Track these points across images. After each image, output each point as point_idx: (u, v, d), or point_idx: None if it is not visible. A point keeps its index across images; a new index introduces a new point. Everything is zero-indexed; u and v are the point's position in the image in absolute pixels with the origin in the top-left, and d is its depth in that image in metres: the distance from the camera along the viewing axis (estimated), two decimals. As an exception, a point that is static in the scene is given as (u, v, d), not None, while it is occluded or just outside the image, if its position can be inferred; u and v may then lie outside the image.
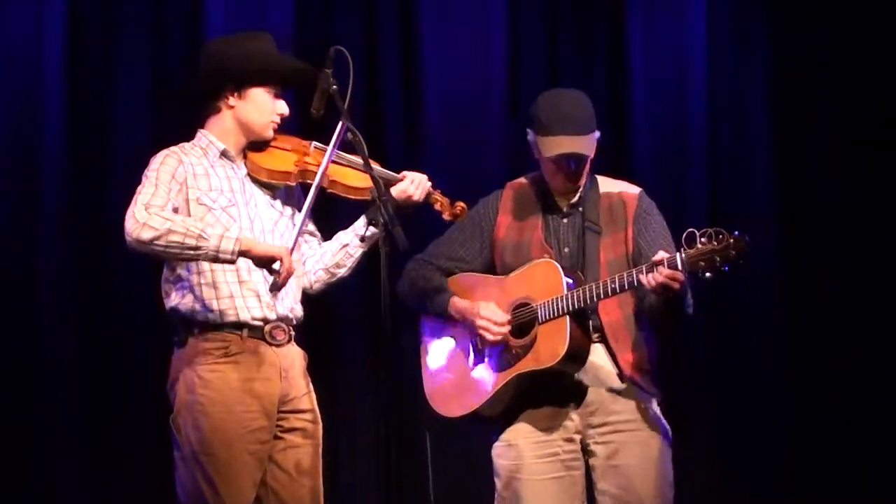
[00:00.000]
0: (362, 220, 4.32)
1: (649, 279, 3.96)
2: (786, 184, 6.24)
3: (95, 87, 5.94)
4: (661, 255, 3.97)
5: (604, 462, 4.20)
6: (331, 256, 4.36)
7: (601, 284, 4.07)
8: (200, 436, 4.08)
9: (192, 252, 3.98)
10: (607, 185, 4.34)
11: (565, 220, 4.29)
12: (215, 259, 4.00)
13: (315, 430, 4.24)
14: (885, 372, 6.06)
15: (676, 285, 3.95)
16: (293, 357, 4.23)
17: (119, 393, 5.85)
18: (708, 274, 3.89)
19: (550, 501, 4.21)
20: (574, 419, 4.21)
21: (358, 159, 4.13)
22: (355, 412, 5.99)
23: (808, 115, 6.23)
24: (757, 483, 6.11)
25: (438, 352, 4.41)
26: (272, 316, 4.17)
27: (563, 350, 4.10)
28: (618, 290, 4.06)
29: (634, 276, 4.00)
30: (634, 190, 4.34)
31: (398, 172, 4.35)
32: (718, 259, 3.87)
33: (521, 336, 4.21)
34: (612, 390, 4.19)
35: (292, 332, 4.24)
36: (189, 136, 4.28)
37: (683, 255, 3.91)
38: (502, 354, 4.24)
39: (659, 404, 4.26)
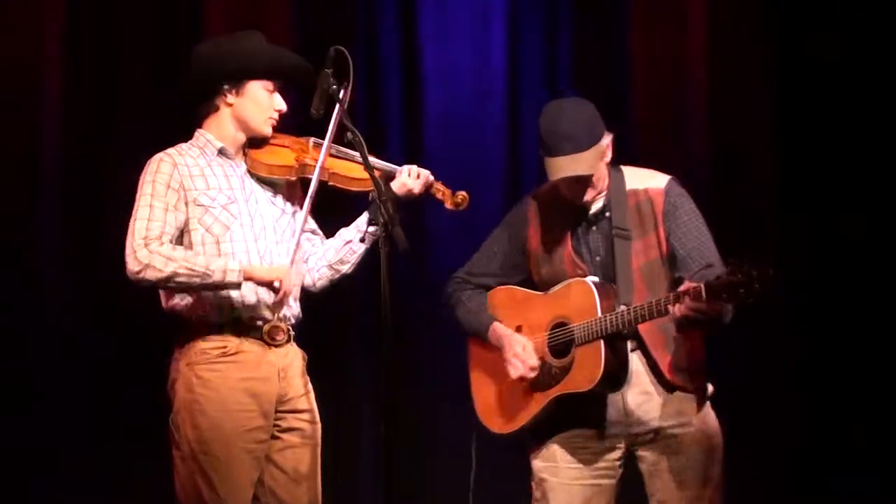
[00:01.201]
0: (363, 218, 4.31)
1: (675, 311, 3.96)
2: (786, 183, 6.24)
3: (95, 88, 5.94)
4: (687, 284, 3.96)
5: (650, 467, 4.20)
6: (334, 253, 4.36)
7: (633, 310, 4.05)
8: (198, 435, 4.09)
9: (198, 287, 4.08)
10: (634, 179, 4.27)
11: (594, 227, 4.25)
12: (222, 289, 4.09)
13: (314, 431, 4.24)
14: (888, 370, 6.06)
15: (702, 316, 3.94)
16: (292, 357, 4.23)
17: (119, 393, 5.84)
18: (730, 305, 3.89)
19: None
20: (618, 428, 4.19)
21: (357, 154, 4.13)
22: (355, 412, 5.99)
23: (808, 115, 6.23)
24: (756, 483, 6.11)
25: (485, 366, 4.40)
26: (270, 315, 4.17)
27: (598, 375, 4.10)
28: (647, 318, 4.04)
29: (663, 305, 3.99)
30: (660, 183, 4.25)
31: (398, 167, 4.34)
32: (742, 291, 3.85)
33: (561, 356, 4.20)
34: (655, 397, 4.17)
35: (291, 332, 4.24)
36: (186, 137, 4.28)
37: (707, 287, 3.89)
38: (543, 375, 4.23)
39: (709, 399, 4.23)
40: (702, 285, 3.90)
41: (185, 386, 4.13)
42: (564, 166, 4.11)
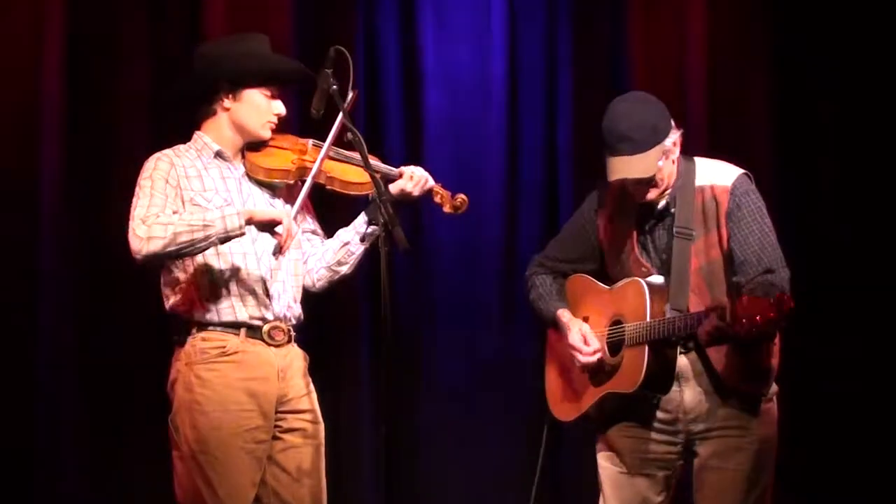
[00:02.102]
0: (362, 218, 4.31)
1: (700, 332, 3.97)
2: (785, 183, 6.24)
3: (95, 88, 5.93)
4: (718, 301, 3.98)
5: (703, 463, 4.19)
6: (332, 254, 4.36)
7: (670, 322, 4.04)
8: (198, 435, 4.10)
9: (204, 243, 4.01)
10: (704, 173, 4.20)
11: (660, 224, 4.20)
12: (226, 239, 4.02)
13: (315, 431, 4.24)
14: (885, 370, 6.06)
15: (725, 337, 3.95)
16: (292, 357, 4.23)
17: (119, 393, 5.84)
18: (748, 332, 3.86)
19: (629, 494, 4.24)
20: (675, 424, 4.19)
21: (356, 156, 4.12)
22: (355, 412, 5.99)
23: (808, 115, 6.23)
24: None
25: (557, 354, 4.42)
26: (270, 316, 4.18)
27: (639, 378, 4.10)
28: (682, 331, 4.03)
29: (695, 321, 4.00)
30: (728, 180, 4.18)
31: (397, 168, 4.33)
32: (758, 317, 3.82)
33: (615, 354, 4.21)
34: (713, 396, 4.15)
35: (292, 333, 4.24)
36: (187, 138, 4.28)
37: (729, 311, 3.88)
38: (599, 369, 4.25)
39: (770, 399, 4.21)
40: (727, 306, 3.89)
41: (184, 386, 4.13)
42: (621, 168, 4.07)
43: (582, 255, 4.37)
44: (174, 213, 4.08)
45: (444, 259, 6.11)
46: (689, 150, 6.20)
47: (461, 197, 4.38)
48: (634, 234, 4.22)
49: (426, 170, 4.38)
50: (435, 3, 6.23)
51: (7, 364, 5.77)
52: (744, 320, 3.83)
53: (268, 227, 4.06)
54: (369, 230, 4.27)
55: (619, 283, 4.24)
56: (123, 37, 5.95)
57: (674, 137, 4.13)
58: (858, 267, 6.13)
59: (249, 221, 4.03)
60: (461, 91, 6.22)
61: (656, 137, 4.07)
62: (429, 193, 4.35)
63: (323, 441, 4.26)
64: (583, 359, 4.23)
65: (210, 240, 4.01)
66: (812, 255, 6.17)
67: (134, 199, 4.12)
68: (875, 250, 6.12)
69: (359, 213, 4.35)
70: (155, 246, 3.98)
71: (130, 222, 4.05)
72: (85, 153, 5.90)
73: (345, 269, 4.37)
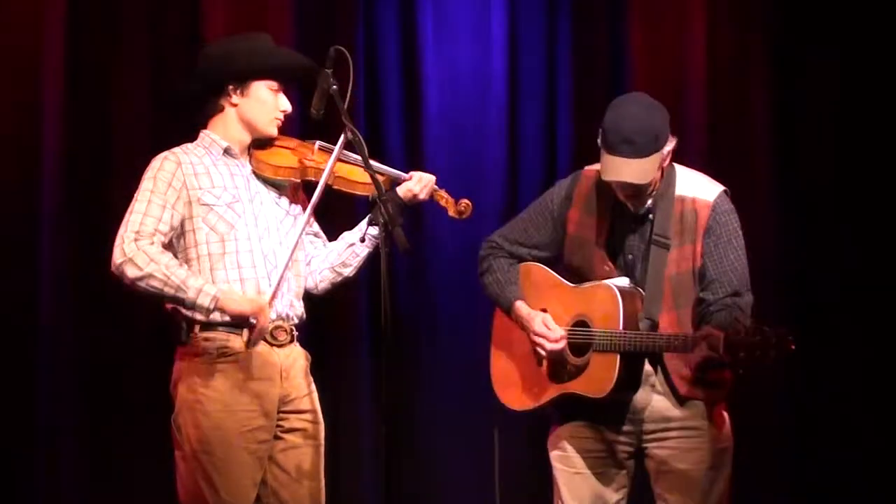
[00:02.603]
0: (365, 221, 4.32)
1: (693, 353, 3.97)
2: (786, 182, 6.24)
3: (95, 89, 5.93)
4: (707, 330, 3.95)
5: (658, 466, 4.19)
6: (336, 256, 4.36)
7: (652, 340, 4.03)
8: (200, 435, 4.09)
9: (169, 299, 4.05)
10: (685, 184, 4.18)
11: (633, 227, 4.18)
12: (192, 310, 4.05)
13: (316, 431, 4.24)
14: (886, 372, 6.06)
15: (715, 363, 3.96)
16: (295, 357, 4.23)
17: (121, 392, 5.84)
18: (743, 365, 3.87)
19: (585, 494, 4.23)
20: (628, 427, 4.19)
21: (359, 158, 4.13)
22: (356, 412, 5.99)
23: (808, 116, 6.23)
24: (754, 483, 6.11)
25: (508, 340, 4.37)
26: (272, 315, 4.17)
27: (609, 388, 4.09)
28: (663, 350, 4.03)
29: (681, 343, 3.99)
30: (710, 196, 4.18)
31: (405, 172, 4.34)
32: (759, 353, 3.82)
33: (579, 354, 4.18)
34: (668, 401, 4.16)
35: (294, 332, 4.24)
36: (190, 138, 4.28)
37: (726, 340, 3.88)
38: (559, 367, 4.22)
39: (719, 405, 4.21)
40: (721, 337, 3.89)
41: (186, 385, 4.13)
42: (619, 169, 4.02)
43: (544, 241, 4.30)
44: (173, 234, 4.10)
45: (443, 259, 6.11)
46: (690, 150, 6.24)
47: (465, 202, 4.38)
48: (605, 232, 4.20)
49: (425, 170, 4.38)
50: (435, 3, 6.23)
51: (7, 364, 5.78)
52: (741, 354, 3.84)
53: (240, 320, 4.06)
54: (370, 231, 4.27)
55: (587, 285, 4.20)
56: (124, 37, 5.95)
57: (670, 146, 4.11)
58: (859, 266, 6.13)
59: (221, 309, 4.04)
60: (461, 91, 6.22)
61: (657, 145, 4.05)
62: (434, 198, 4.35)
63: (323, 441, 4.25)
64: (549, 346, 4.18)
65: (175, 300, 4.04)
66: (812, 254, 6.18)
67: (133, 200, 4.12)
68: (875, 250, 6.12)
69: (362, 216, 4.35)
70: (129, 271, 4.02)
71: (123, 227, 4.07)
72: (85, 153, 5.90)
73: (348, 272, 4.37)
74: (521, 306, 4.27)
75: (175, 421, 4.15)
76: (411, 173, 4.34)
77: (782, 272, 6.20)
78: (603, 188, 4.18)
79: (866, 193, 6.14)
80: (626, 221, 4.18)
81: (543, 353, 4.21)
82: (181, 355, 4.17)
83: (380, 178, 4.16)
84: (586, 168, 4.29)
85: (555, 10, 6.30)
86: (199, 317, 4.11)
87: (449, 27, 6.24)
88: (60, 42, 5.88)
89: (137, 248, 4.02)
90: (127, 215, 4.09)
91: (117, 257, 4.03)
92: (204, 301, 4.02)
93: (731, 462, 4.24)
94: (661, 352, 4.05)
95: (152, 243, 4.04)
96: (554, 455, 4.29)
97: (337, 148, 4.16)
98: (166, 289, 4.01)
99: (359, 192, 4.24)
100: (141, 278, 4.01)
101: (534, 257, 4.34)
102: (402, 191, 4.28)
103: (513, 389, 4.34)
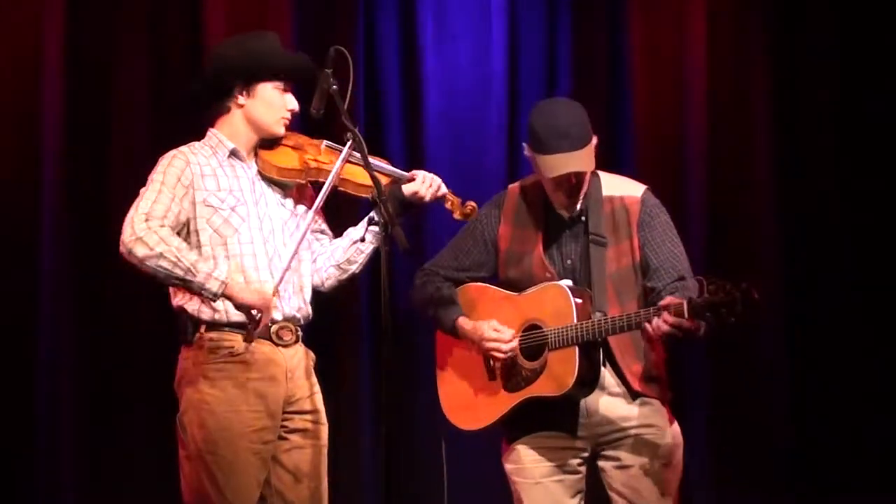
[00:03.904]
0: (365, 220, 4.31)
1: (655, 325, 3.95)
2: (786, 183, 6.24)
3: (95, 89, 5.94)
4: (669, 300, 3.96)
5: (613, 464, 4.20)
6: (342, 253, 4.36)
7: (611, 321, 4.04)
8: (205, 435, 4.09)
9: (178, 281, 4.02)
10: (610, 185, 4.27)
11: (567, 231, 4.23)
12: (199, 294, 4.03)
13: (319, 431, 4.24)
14: (886, 369, 6.07)
15: (680, 333, 3.94)
16: (300, 357, 4.23)
17: (125, 392, 5.84)
18: (712, 324, 3.87)
19: (548, 502, 4.23)
20: (583, 432, 4.20)
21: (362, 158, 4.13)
22: (356, 412, 5.99)
23: (808, 115, 6.23)
24: (754, 482, 6.12)
25: (453, 362, 4.39)
26: (278, 316, 4.17)
27: (571, 381, 4.09)
28: (625, 329, 4.04)
29: (642, 318, 3.98)
30: (637, 192, 4.26)
31: (407, 172, 4.33)
32: (725, 311, 3.82)
33: (533, 359, 4.19)
34: (621, 400, 4.17)
35: (300, 332, 4.24)
36: (192, 138, 4.28)
37: (690, 304, 3.89)
38: (513, 375, 4.22)
39: (668, 404, 4.24)
40: (684, 302, 3.90)
41: (192, 386, 4.12)
42: (565, 163, 4.09)
43: (477, 262, 4.35)
44: (178, 218, 4.08)
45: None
46: (690, 150, 6.26)
47: (471, 205, 4.37)
48: (540, 241, 4.24)
49: (427, 171, 4.38)
50: (435, 3, 6.23)
51: (7, 364, 5.78)
52: (707, 314, 3.84)
53: (246, 310, 4.05)
54: (370, 229, 4.27)
55: (532, 289, 4.22)
56: (124, 37, 5.96)
57: (595, 141, 4.19)
58: (859, 265, 6.13)
59: (230, 299, 4.03)
60: (461, 91, 6.22)
61: (590, 134, 4.15)
62: (440, 200, 4.35)
63: (326, 442, 4.25)
64: (505, 347, 4.18)
65: (184, 282, 4.01)
66: (812, 254, 6.18)
67: (142, 190, 4.11)
68: (876, 249, 6.13)
69: (366, 212, 4.34)
70: (139, 251, 3.98)
71: (132, 210, 4.04)
72: (85, 154, 5.91)
73: (354, 268, 4.37)
74: (464, 321, 4.28)
75: (180, 420, 4.14)
76: (414, 172, 4.33)
77: (782, 272, 6.20)
78: (531, 200, 4.28)
79: (866, 193, 6.15)
80: (559, 228, 4.24)
81: (500, 356, 4.21)
82: (186, 355, 4.17)
83: (383, 178, 4.16)
84: (511, 185, 4.37)
85: (555, 11, 6.30)
86: (204, 315, 4.11)
87: (449, 27, 6.25)
88: (60, 42, 5.88)
89: (149, 228, 4.00)
90: (137, 200, 4.07)
91: (127, 236, 3.99)
92: (212, 286, 4.00)
93: (682, 459, 4.24)
94: (622, 332, 4.05)
95: (162, 226, 4.03)
96: (510, 469, 4.29)
97: (344, 151, 4.16)
98: (176, 270, 3.98)
99: (363, 194, 4.24)
100: (151, 258, 3.97)
101: (469, 278, 4.37)
102: (407, 191, 4.28)
103: (466, 411, 4.33)
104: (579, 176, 4.15)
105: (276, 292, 4.08)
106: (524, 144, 4.20)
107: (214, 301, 4.04)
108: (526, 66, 6.26)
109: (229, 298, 4.03)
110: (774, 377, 6.17)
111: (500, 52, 6.23)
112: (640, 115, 6.22)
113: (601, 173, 4.28)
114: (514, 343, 4.20)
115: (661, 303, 3.97)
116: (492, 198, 4.40)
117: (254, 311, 4.03)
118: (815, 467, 6.12)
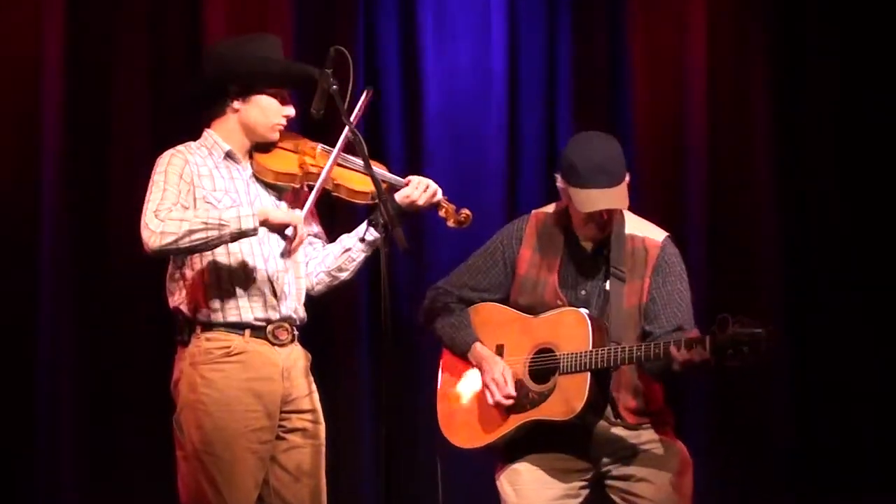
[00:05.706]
0: (365, 223, 4.31)
1: (681, 356, 3.96)
2: (786, 183, 6.24)
3: (95, 88, 5.94)
4: (695, 333, 3.99)
5: (621, 485, 4.20)
6: (333, 259, 4.35)
7: (629, 351, 4.06)
8: (202, 435, 4.09)
9: (216, 241, 4.01)
10: (633, 225, 4.28)
11: (586, 263, 4.25)
12: (239, 237, 4.02)
13: (317, 431, 4.23)
14: (886, 369, 6.07)
15: (694, 367, 3.97)
16: (296, 357, 4.23)
17: (125, 392, 5.85)
18: (732, 362, 3.88)
19: None
20: (586, 457, 4.20)
21: (362, 162, 4.12)
22: (355, 412, 5.99)
23: (808, 115, 6.24)
24: (754, 482, 6.12)
25: (456, 379, 4.38)
26: (275, 316, 4.17)
27: (580, 406, 4.10)
28: (643, 360, 4.05)
29: (662, 348, 4.00)
30: (659, 237, 4.27)
31: (403, 177, 4.29)
32: (747, 350, 3.85)
33: (541, 382, 4.19)
34: (620, 430, 4.19)
35: (296, 332, 4.24)
36: (191, 138, 4.28)
37: (713, 339, 3.90)
38: (519, 398, 4.22)
39: (669, 427, 4.26)
40: (707, 337, 3.92)
41: (188, 386, 4.12)
42: (599, 199, 4.11)
43: (495, 284, 4.35)
44: (186, 209, 4.08)
45: (443, 259, 6.10)
46: (690, 150, 6.26)
47: (465, 212, 4.34)
48: (556, 269, 4.26)
49: (425, 173, 4.38)
50: (435, 3, 6.23)
51: (7, 364, 5.78)
52: (730, 350, 3.86)
53: (280, 229, 4.06)
54: (369, 235, 4.26)
55: (551, 313, 4.23)
56: (124, 37, 5.96)
57: (628, 178, 4.20)
58: (859, 265, 6.13)
59: (264, 223, 4.03)
60: (461, 91, 6.22)
61: (624, 170, 4.16)
62: (434, 206, 4.33)
63: (324, 441, 4.25)
64: (498, 396, 4.19)
65: (223, 238, 4.00)
66: (812, 254, 6.19)
67: (147, 194, 4.10)
68: (876, 249, 6.13)
69: (363, 215, 4.34)
70: (166, 240, 3.97)
71: (143, 216, 4.04)
72: (85, 154, 5.91)
73: (344, 276, 4.36)
74: (481, 348, 4.29)
75: (177, 421, 4.14)
76: (408, 178, 4.30)
77: (782, 272, 6.21)
78: (554, 228, 4.29)
79: (866, 193, 6.15)
80: (578, 259, 4.26)
81: (490, 399, 4.22)
82: (182, 355, 4.17)
83: (382, 184, 4.15)
84: (535, 211, 4.37)
85: (555, 11, 6.30)
86: (201, 316, 4.12)
87: (449, 27, 6.25)
88: (60, 42, 5.88)
89: (162, 220, 4.00)
90: (144, 205, 4.07)
91: (148, 237, 3.98)
92: (249, 224, 3.98)
93: (690, 476, 4.25)
94: (638, 362, 4.08)
95: (171, 211, 4.03)
96: (505, 488, 4.27)
97: (336, 149, 4.15)
98: (209, 233, 3.97)
99: (359, 201, 4.22)
100: (182, 239, 3.96)
101: (482, 300, 4.37)
102: (400, 197, 4.24)
103: (464, 428, 4.32)
104: (611, 212, 4.17)
105: (303, 219, 4.09)
106: (556, 175, 4.20)
107: (256, 234, 4.03)
108: (526, 66, 6.26)
109: (265, 223, 4.02)
110: (774, 377, 6.17)
111: (500, 53, 6.23)
112: (640, 115, 6.23)
113: (625, 211, 4.28)
114: (506, 402, 4.19)
115: (689, 335, 3.99)
116: (513, 220, 4.41)
117: (288, 230, 4.03)
118: (815, 467, 6.13)
